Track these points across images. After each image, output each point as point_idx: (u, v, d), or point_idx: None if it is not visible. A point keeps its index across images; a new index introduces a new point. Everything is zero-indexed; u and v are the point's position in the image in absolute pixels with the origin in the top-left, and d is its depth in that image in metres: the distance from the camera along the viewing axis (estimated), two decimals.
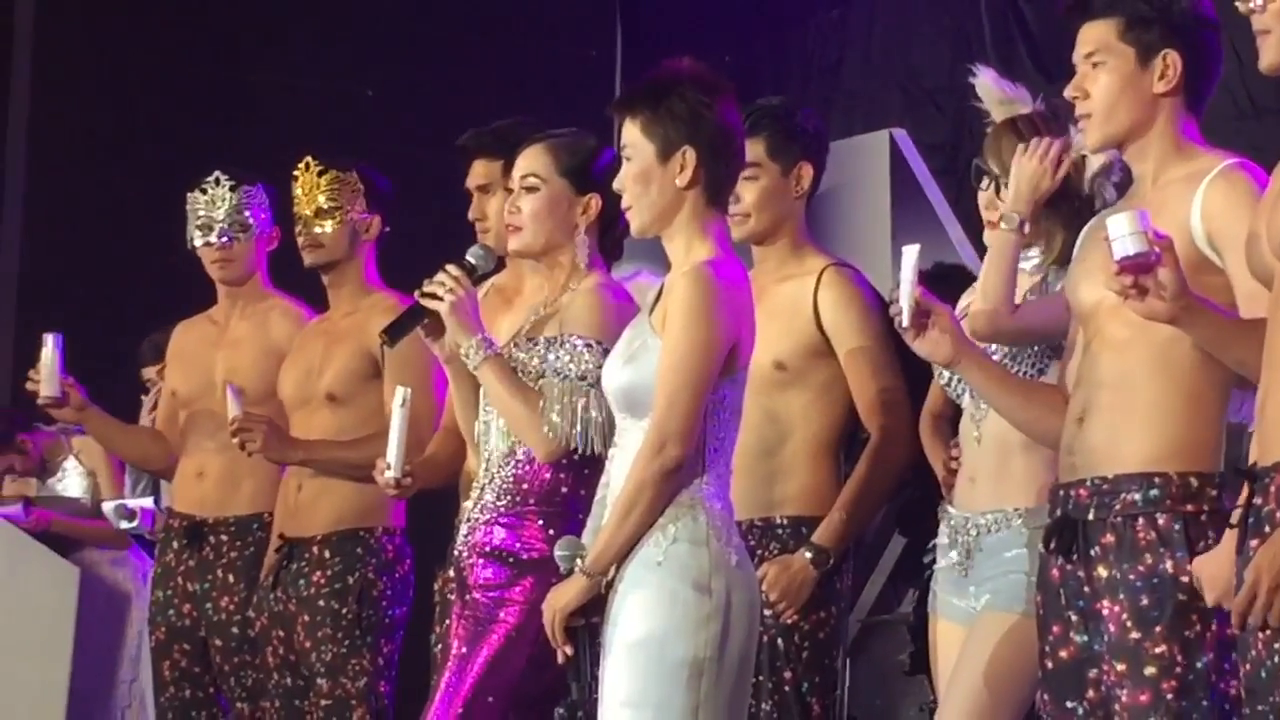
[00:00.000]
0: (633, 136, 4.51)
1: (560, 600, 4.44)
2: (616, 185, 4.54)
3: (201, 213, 6.63)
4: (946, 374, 4.94)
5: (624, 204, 4.54)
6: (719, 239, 4.51)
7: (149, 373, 7.97)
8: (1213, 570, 3.95)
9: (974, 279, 5.52)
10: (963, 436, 5.03)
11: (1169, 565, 4.06)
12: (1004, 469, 4.91)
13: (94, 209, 9.99)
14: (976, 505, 4.93)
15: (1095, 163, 4.77)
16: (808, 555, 5.17)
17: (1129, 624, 4.10)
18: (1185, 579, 4.04)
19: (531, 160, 5.02)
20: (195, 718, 6.62)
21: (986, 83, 5.08)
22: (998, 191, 4.88)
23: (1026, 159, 4.73)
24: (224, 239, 6.62)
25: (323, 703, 6.16)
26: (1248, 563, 3.68)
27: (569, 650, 4.45)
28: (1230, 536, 3.81)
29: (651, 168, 4.48)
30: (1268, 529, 3.68)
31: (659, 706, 4.30)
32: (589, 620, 4.43)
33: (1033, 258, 4.91)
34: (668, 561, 4.34)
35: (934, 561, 5.11)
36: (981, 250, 5.25)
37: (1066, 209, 4.81)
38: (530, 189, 4.99)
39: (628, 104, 4.57)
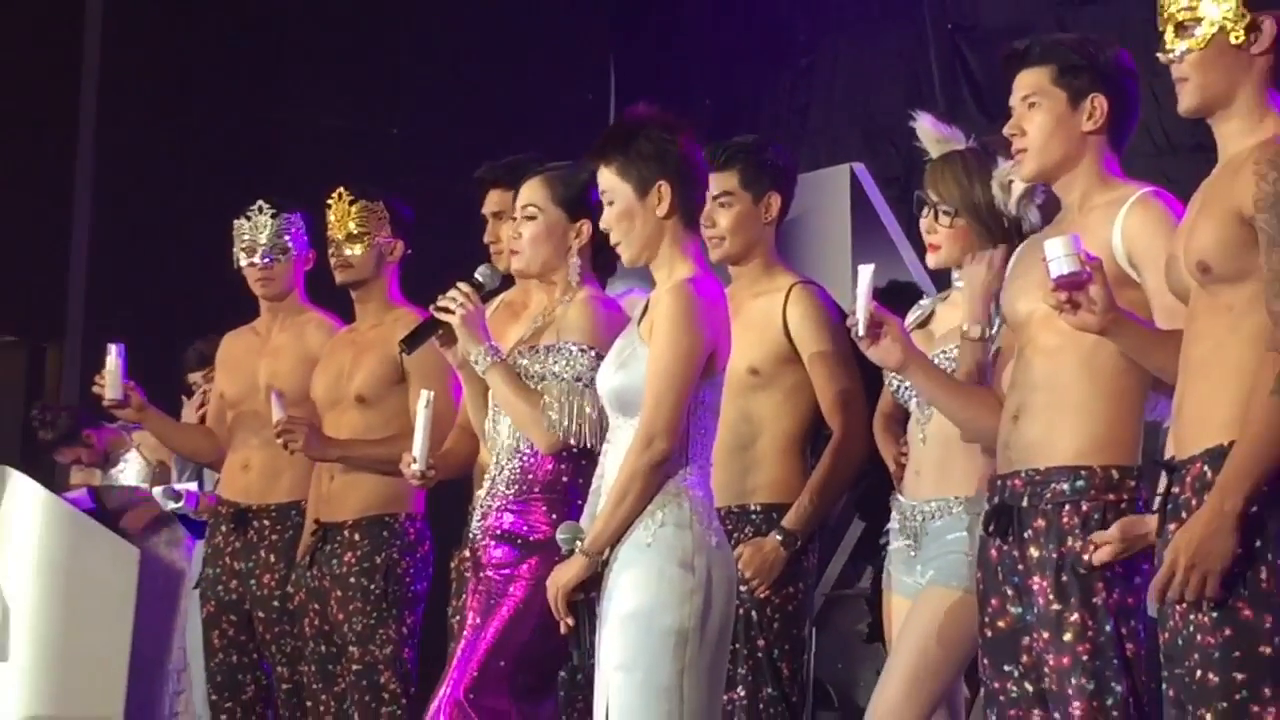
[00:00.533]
0: (610, 181, 4.56)
1: (562, 578, 4.48)
2: (603, 226, 4.59)
3: (246, 237, 6.64)
4: (895, 381, 4.96)
5: (613, 241, 4.58)
6: (697, 258, 4.56)
7: (194, 377, 8.03)
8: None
9: (922, 295, 5.60)
10: (910, 436, 5.04)
11: (1084, 543, 4.12)
12: (945, 464, 4.91)
13: (152, 233, 10.08)
14: (922, 494, 4.95)
15: (1019, 187, 4.74)
16: (778, 538, 5.19)
17: (1051, 597, 4.15)
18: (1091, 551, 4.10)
19: (530, 192, 5.05)
20: (241, 680, 6.66)
21: (925, 125, 5.05)
22: (935, 218, 4.89)
23: (976, 265, 4.75)
24: (265, 260, 6.63)
25: (354, 667, 6.18)
26: (1167, 545, 3.72)
27: (570, 621, 4.49)
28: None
29: (633, 206, 4.53)
30: (1184, 515, 3.73)
31: (649, 670, 4.34)
32: (588, 595, 4.47)
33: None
34: (656, 543, 4.39)
35: (888, 543, 5.09)
36: (927, 269, 5.30)
37: (996, 229, 4.82)
38: (529, 217, 5.02)
39: (601, 153, 4.59)
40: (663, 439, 4.39)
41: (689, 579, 4.38)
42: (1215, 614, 3.70)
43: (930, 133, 5.04)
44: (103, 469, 8.71)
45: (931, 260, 5.02)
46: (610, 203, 4.56)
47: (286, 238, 6.65)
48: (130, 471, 8.24)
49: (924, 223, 5.00)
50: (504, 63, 10.72)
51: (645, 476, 4.40)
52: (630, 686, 4.37)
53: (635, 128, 4.57)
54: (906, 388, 4.94)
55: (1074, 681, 4.11)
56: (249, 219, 6.68)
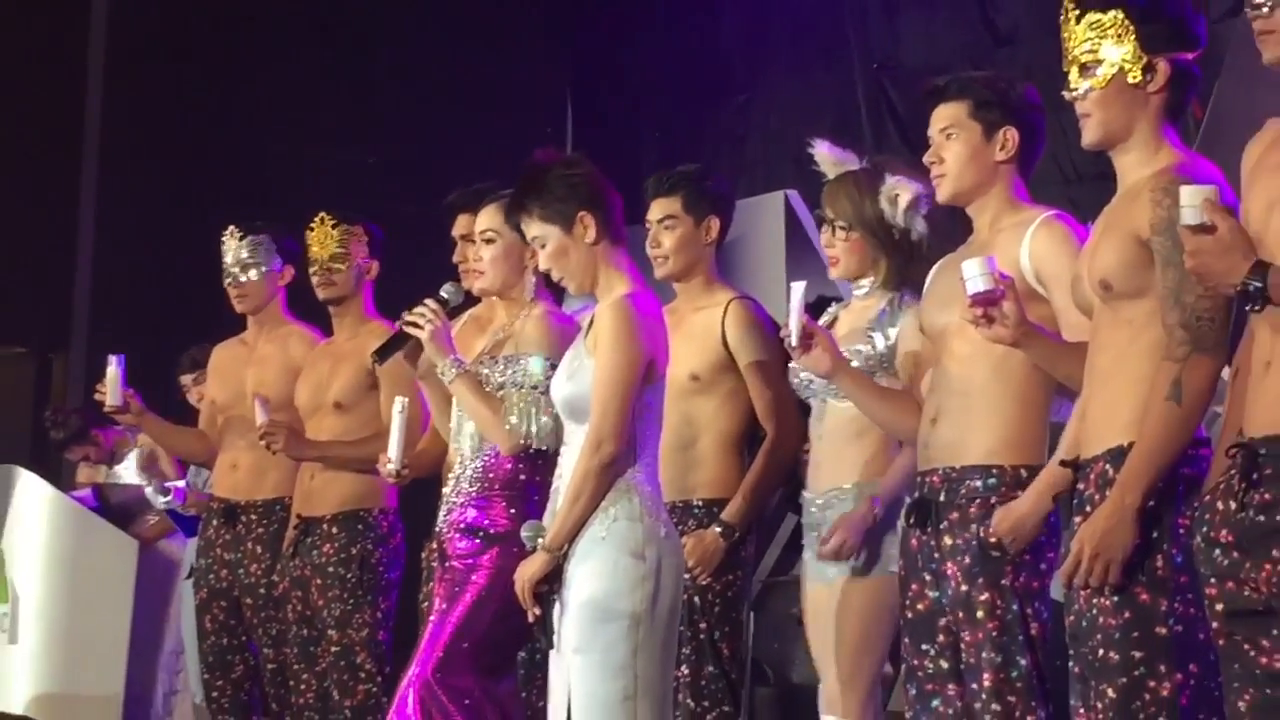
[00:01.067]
0: (537, 228, 4.54)
1: (528, 572, 4.46)
2: (542, 267, 4.58)
3: (226, 259, 6.65)
4: (801, 380, 4.94)
5: (555, 278, 4.58)
6: (631, 272, 4.56)
7: (185, 379, 8.01)
8: (1006, 518, 4.10)
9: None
10: (810, 434, 5.06)
11: (991, 531, 4.13)
12: (839, 456, 4.92)
13: (149, 253, 10.07)
14: (820, 487, 4.96)
15: (905, 200, 4.77)
16: (718, 530, 5.16)
17: (963, 581, 4.17)
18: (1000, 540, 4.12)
19: (489, 218, 5.02)
20: (231, 660, 6.63)
21: (821, 150, 5.07)
22: (833, 233, 4.90)
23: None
24: (239, 278, 6.64)
25: (333, 649, 6.17)
26: (1073, 536, 3.74)
27: (538, 611, 4.48)
28: (1026, 496, 3.90)
29: (564, 242, 4.51)
30: (1089, 509, 3.75)
31: (605, 651, 4.34)
32: (551, 586, 4.46)
33: (864, 286, 4.92)
34: (610, 536, 4.39)
35: None
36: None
37: (888, 240, 4.83)
38: (489, 241, 5.00)
39: (520, 207, 4.58)
40: (610, 442, 4.39)
41: (641, 567, 4.38)
42: (1116, 598, 3.73)
43: (826, 156, 5.06)
44: (108, 465, 8.67)
45: (832, 272, 5.03)
46: (543, 246, 4.55)
47: (256, 257, 6.62)
48: (133, 468, 8.19)
49: (823, 238, 5.01)
50: (470, 100, 10.79)
51: (597, 476, 4.39)
52: (589, 667, 4.36)
53: (542, 174, 4.55)
54: (809, 387, 4.94)
55: (984, 655, 4.13)
56: (223, 243, 6.68)
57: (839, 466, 4.92)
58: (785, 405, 5.24)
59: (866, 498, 4.78)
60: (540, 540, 4.48)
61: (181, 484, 7.72)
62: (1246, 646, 3.40)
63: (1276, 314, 3.34)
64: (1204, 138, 4.71)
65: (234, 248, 6.65)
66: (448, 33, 10.89)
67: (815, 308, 4.94)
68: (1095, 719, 3.75)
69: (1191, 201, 3.34)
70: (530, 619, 4.54)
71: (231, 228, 6.68)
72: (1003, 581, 4.12)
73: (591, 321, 4.56)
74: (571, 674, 4.37)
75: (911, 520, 4.32)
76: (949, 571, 4.19)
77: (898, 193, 4.81)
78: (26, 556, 8.48)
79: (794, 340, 4.48)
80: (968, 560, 4.15)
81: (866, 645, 4.86)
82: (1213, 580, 3.45)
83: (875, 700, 4.91)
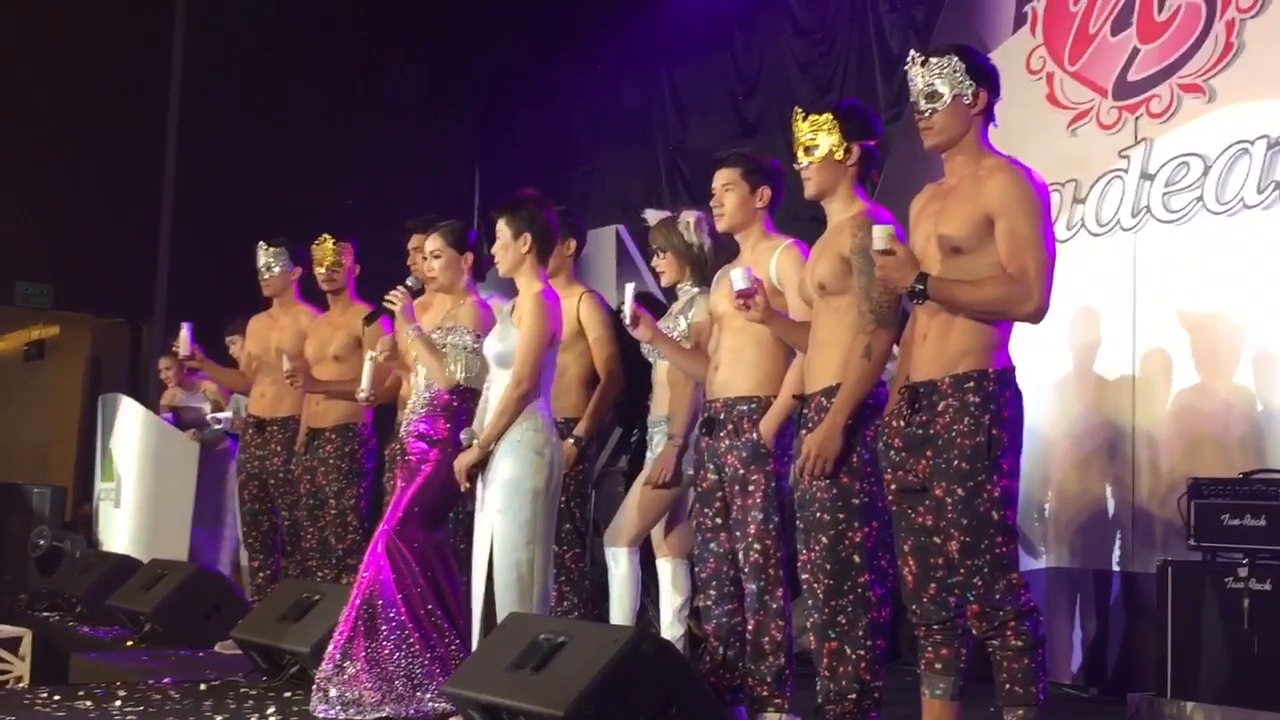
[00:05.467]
0: (500, 228, 4.48)
1: (466, 460, 4.40)
2: (494, 251, 4.51)
3: (258, 262, 6.57)
4: (646, 347, 4.90)
5: (496, 260, 4.51)
6: (543, 278, 4.50)
7: (232, 336, 7.88)
8: (765, 426, 4.10)
9: (661, 303, 5.58)
10: (652, 378, 5.05)
11: (755, 435, 4.12)
12: (661, 397, 4.92)
13: (208, 256, 9.89)
14: (658, 412, 4.95)
15: (690, 221, 4.78)
16: (571, 440, 5.06)
17: (738, 465, 4.14)
18: (761, 442, 4.10)
19: (435, 242, 4.89)
20: (261, 519, 6.52)
21: (649, 211, 5.08)
22: (659, 256, 4.88)
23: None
24: (265, 274, 6.56)
25: (332, 512, 6.09)
26: (802, 442, 3.78)
27: (468, 485, 4.44)
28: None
29: (509, 244, 4.47)
30: (812, 425, 3.77)
31: (517, 511, 4.27)
32: (480, 469, 4.41)
33: (685, 289, 4.86)
34: (522, 439, 4.32)
35: (637, 440, 5.10)
36: (660, 287, 5.31)
37: (687, 253, 4.81)
38: (437, 257, 4.91)
39: (499, 212, 4.52)
40: (527, 381, 4.34)
41: (541, 460, 4.32)
42: (827, 481, 3.75)
43: (652, 214, 5.05)
44: (184, 390, 8.53)
45: (663, 281, 4.99)
46: (499, 238, 4.50)
47: (273, 261, 6.54)
48: (197, 398, 8.09)
49: (653, 261, 4.99)
50: (414, 166, 10.76)
51: (516, 402, 4.34)
52: (507, 523, 4.29)
53: (521, 200, 4.50)
54: (649, 351, 4.92)
55: (751, 515, 4.11)
56: (257, 251, 6.60)
57: (661, 405, 4.91)
58: (614, 360, 5.17)
59: (672, 434, 4.77)
60: (475, 440, 4.42)
61: (229, 414, 7.74)
62: (909, 511, 3.45)
63: (930, 305, 3.40)
64: (880, 193, 4.75)
65: (263, 254, 6.58)
66: (398, 121, 10.86)
67: (648, 303, 4.91)
68: (813, 557, 3.77)
69: (881, 236, 3.38)
70: (463, 490, 4.49)
71: (262, 242, 6.60)
72: (767, 467, 4.10)
73: (514, 305, 4.50)
74: (495, 527, 4.31)
75: (703, 430, 4.29)
76: (729, 461, 4.16)
77: (687, 219, 4.81)
78: (125, 452, 8.32)
79: (628, 320, 4.45)
80: (744, 454, 4.13)
81: (652, 507, 4.88)
82: (889, 470, 3.50)
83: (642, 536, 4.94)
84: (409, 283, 4.98)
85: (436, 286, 4.99)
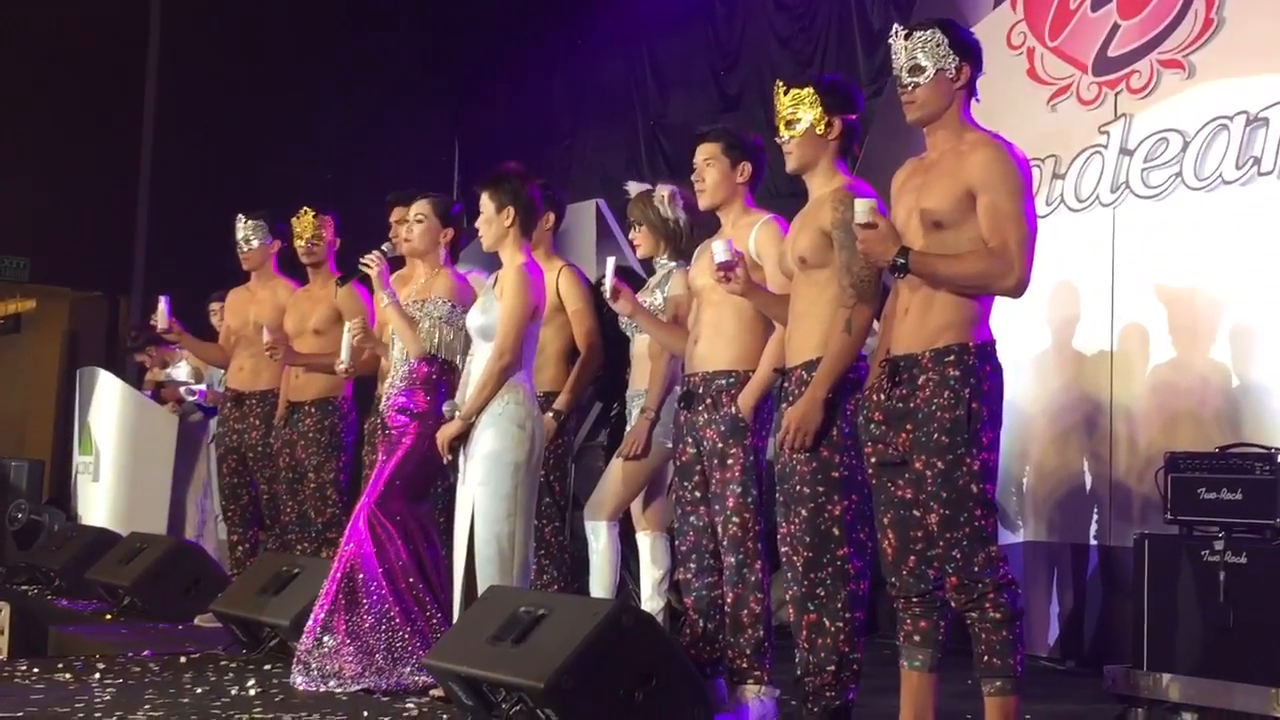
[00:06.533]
0: (484, 201, 4.47)
1: (448, 432, 4.41)
2: (477, 224, 4.49)
3: (237, 235, 6.51)
4: (624, 321, 4.91)
5: (480, 234, 4.49)
6: (527, 251, 4.49)
7: (213, 306, 7.81)
8: (744, 400, 4.08)
9: (640, 276, 5.56)
10: (630, 352, 5.05)
11: (734, 409, 4.11)
12: (641, 371, 4.91)
13: (187, 229, 9.86)
14: (637, 386, 4.95)
15: (665, 195, 4.75)
16: (551, 414, 5.08)
17: (717, 439, 4.14)
18: (740, 416, 4.10)
19: (420, 208, 4.90)
20: (240, 494, 6.47)
21: (630, 184, 5.04)
22: (635, 229, 4.84)
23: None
24: (244, 247, 6.51)
25: (311, 485, 6.05)
26: (783, 416, 3.77)
27: (450, 457, 4.44)
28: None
29: (492, 217, 4.46)
30: (792, 399, 3.77)
31: (498, 484, 4.29)
32: (462, 442, 4.41)
33: (662, 262, 4.84)
34: (504, 412, 4.34)
35: (616, 414, 5.10)
36: (638, 260, 5.29)
37: (662, 226, 4.78)
38: (419, 221, 4.89)
39: (483, 185, 4.50)
40: (509, 354, 4.35)
41: (522, 434, 4.34)
42: (807, 454, 3.75)
43: (634, 186, 5.02)
44: (163, 367, 8.48)
45: (638, 254, 4.98)
46: (482, 212, 4.48)
47: (252, 234, 6.48)
48: (181, 371, 8.08)
49: (630, 235, 4.96)
50: (393, 143, 10.76)
51: (498, 375, 4.34)
52: (488, 495, 4.30)
53: (504, 174, 4.49)
54: (627, 325, 4.93)
55: (729, 488, 4.10)
56: (235, 224, 6.54)
57: (640, 379, 4.91)
58: (593, 334, 5.17)
59: (646, 408, 4.77)
60: (457, 412, 4.42)
61: (203, 387, 7.73)
62: (888, 484, 3.45)
63: (911, 279, 3.39)
64: (862, 168, 4.74)
65: (242, 227, 6.52)
66: (378, 95, 10.85)
67: (627, 276, 4.89)
68: (792, 530, 3.78)
69: (862, 210, 3.37)
70: (445, 463, 4.49)
71: (241, 214, 6.53)
72: (745, 441, 4.10)
73: (497, 278, 4.48)
74: (476, 500, 4.31)
75: (681, 404, 4.28)
76: (708, 435, 4.16)
77: (662, 193, 4.79)
78: (104, 425, 8.29)
79: (608, 293, 4.43)
80: (723, 428, 4.12)
81: (632, 480, 4.87)
82: (869, 443, 3.49)
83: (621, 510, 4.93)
84: (384, 248, 4.97)
85: (409, 250, 4.97)
